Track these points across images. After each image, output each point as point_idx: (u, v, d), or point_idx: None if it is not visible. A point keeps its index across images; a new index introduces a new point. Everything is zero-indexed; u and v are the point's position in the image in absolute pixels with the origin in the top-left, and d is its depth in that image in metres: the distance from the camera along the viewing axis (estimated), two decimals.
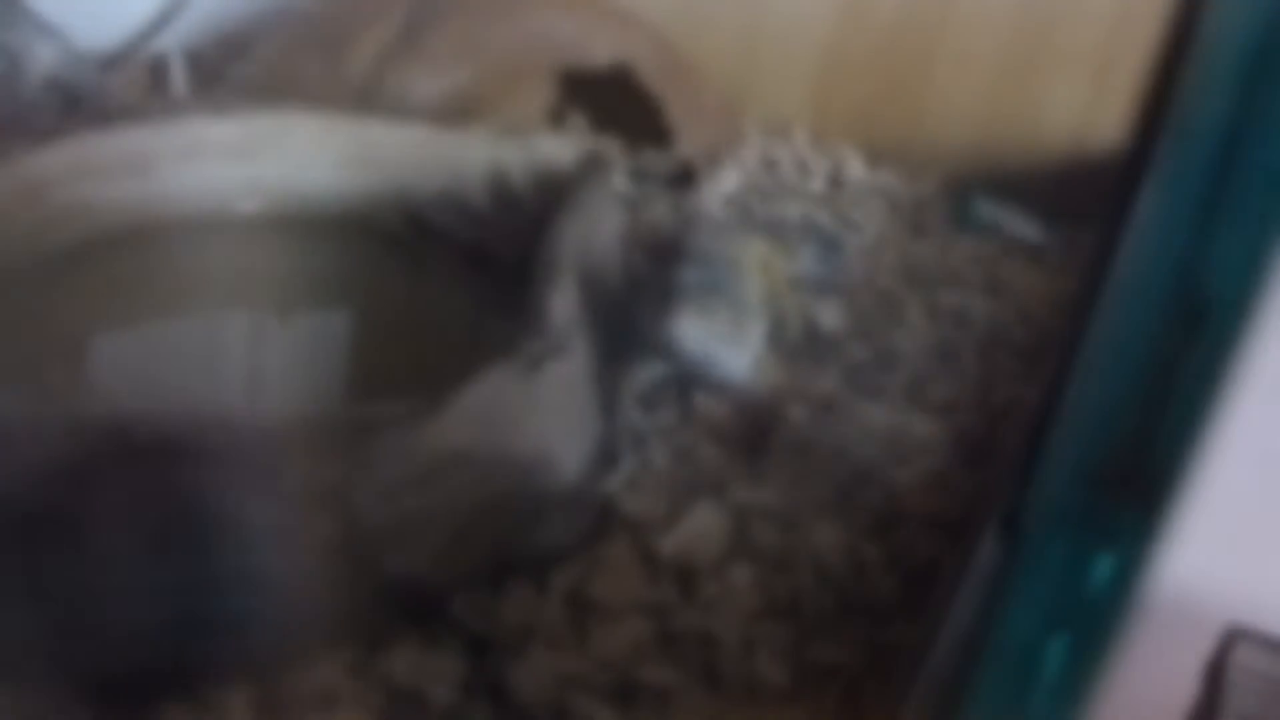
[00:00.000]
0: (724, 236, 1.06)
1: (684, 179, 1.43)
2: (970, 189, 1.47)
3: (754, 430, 0.97)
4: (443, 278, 1.06)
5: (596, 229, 0.99)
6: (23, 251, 0.95)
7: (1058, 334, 1.08)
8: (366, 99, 1.28)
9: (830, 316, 1.17)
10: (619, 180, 1.38)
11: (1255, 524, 1.13)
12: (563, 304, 0.82)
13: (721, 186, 1.43)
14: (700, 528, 0.87)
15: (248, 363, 0.96)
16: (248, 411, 0.71)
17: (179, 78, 1.36)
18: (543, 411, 0.76)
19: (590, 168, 1.06)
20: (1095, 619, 0.65)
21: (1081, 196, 1.45)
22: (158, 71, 1.37)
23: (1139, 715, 0.83)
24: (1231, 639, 1.05)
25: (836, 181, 1.48)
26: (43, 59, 1.12)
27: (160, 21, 1.42)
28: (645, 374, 0.97)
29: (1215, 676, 1.03)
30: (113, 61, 1.36)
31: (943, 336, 1.18)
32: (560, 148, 1.08)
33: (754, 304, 0.93)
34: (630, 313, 1.00)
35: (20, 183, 0.94)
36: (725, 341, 0.91)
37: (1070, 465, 0.66)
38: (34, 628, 0.68)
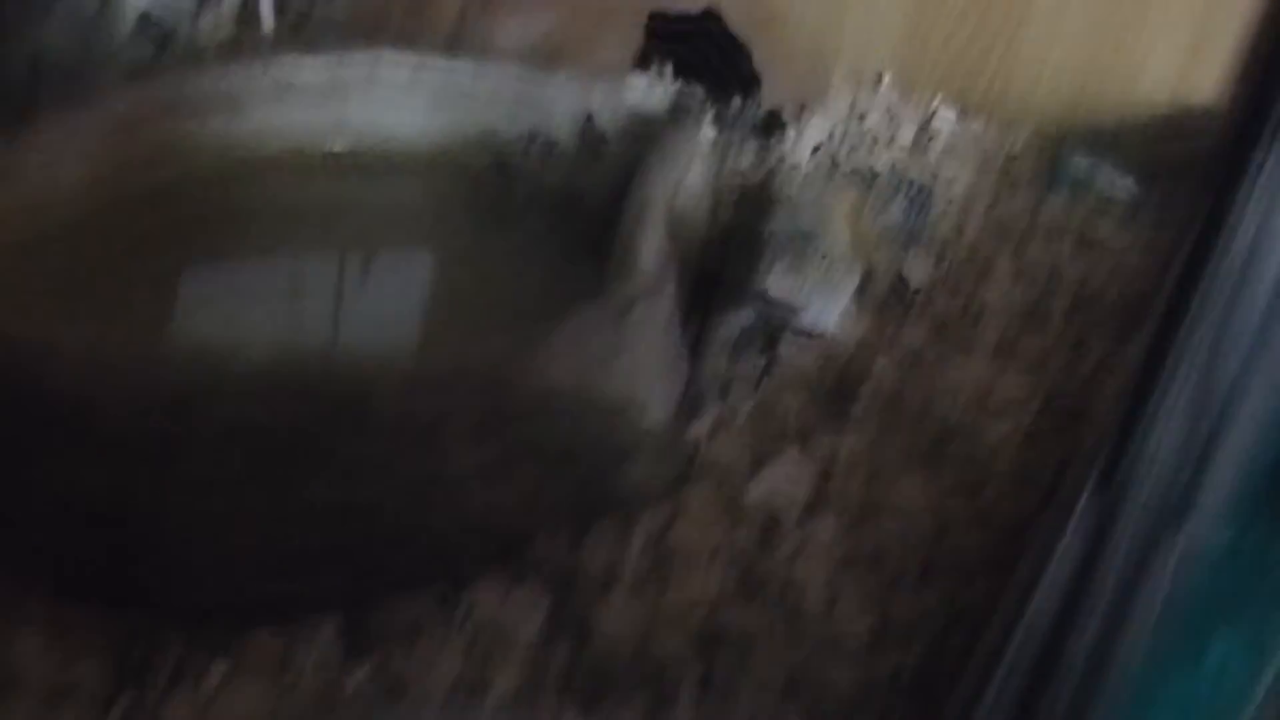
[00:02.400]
0: (813, 188, 1.04)
1: (771, 127, 1.41)
2: (1064, 144, 1.43)
3: (840, 380, 0.96)
4: (529, 219, 1.06)
5: (685, 176, 0.98)
6: (117, 188, 0.96)
7: (1156, 296, 1.05)
8: (450, 45, 1.28)
9: (918, 269, 1.15)
10: (706, 128, 1.37)
11: None
12: (652, 247, 0.82)
13: (809, 136, 1.41)
14: (784, 477, 0.86)
15: (336, 302, 0.96)
16: (340, 351, 0.71)
17: (268, 15, 1.36)
18: (631, 354, 0.76)
19: (679, 115, 1.05)
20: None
21: (1178, 154, 1.41)
22: (249, 9, 1.38)
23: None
24: None
25: (926, 133, 1.45)
26: None
27: None
28: (734, 321, 0.96)
29: None
30: (203, 2, 1.37)
31: (1032, 293, 1.16)
32: (649, 94, 1.08)
33: (843, 255, 0.92)
34: (719, 259, 0.99)
35: (113, 120, 0.95)
36: (815, 292, 0.90)
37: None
38: (130, 555, 0.70)
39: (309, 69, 1.03)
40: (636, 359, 0.76)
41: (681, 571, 0.78)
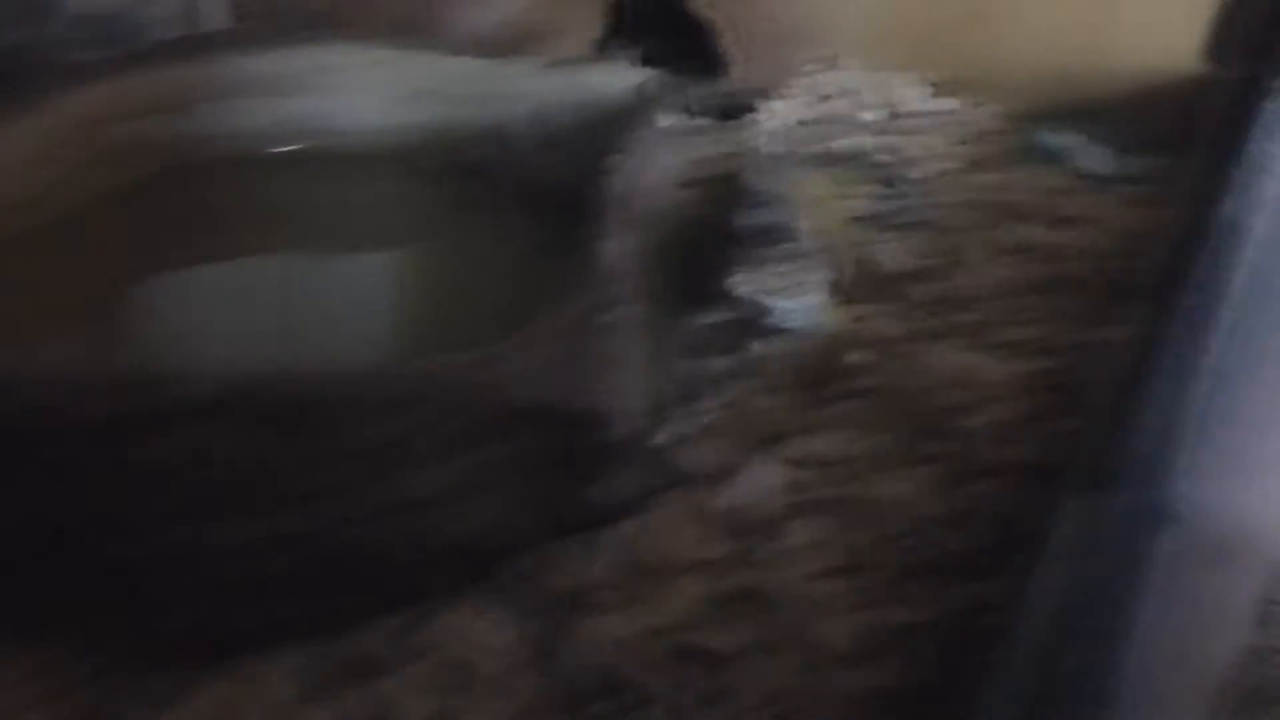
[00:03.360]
0: (780, 174, 1.01)
1: (737, 111, 1.37)
2: (1035, 118, 1.40)
3: (814, 377, 0.93)
4: (488, 215, 1.02)
5: (647, 168, 0.94)
6: (71, 193, 0.92)
7: (1145, 275, 1.03)
8: (407, 32, 1.24)
9: (891, 255, 1.12)
10: (671, 114, 1.33)
11: None
12: (615, 250, 0.78)
13: (776, 120, 1.38)
14: (756, 482, 0.83)
15: (292, 311, 0.93)
16: (296, 366, 0.67)
17: (216, 6, 1.31)
18: (598, 364, 0.73)
19: (639, 102, 1.01)
20: None
21: (1151, 124, 1.39)
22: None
23: (1194, 660, 0.79)
24: None
25: (896, 112, 1.42)
26: None
27: None
28: (701, 320, 0.93)
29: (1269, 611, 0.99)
30: None
31: (1008, 274, 1.13)
32: (609, 81, 1.04)
33: (814, 250, 0.88)
34: (685, 254, 0.96)
35: (64, 124, 0.91)
36: (785, 290, 0.86)
37: None
38: (82, 585, 0.66)
39: (259, 64, 1.00)
40: (604, 368, 0.73)
41: (654, 588, 0.76)
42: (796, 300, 0.89)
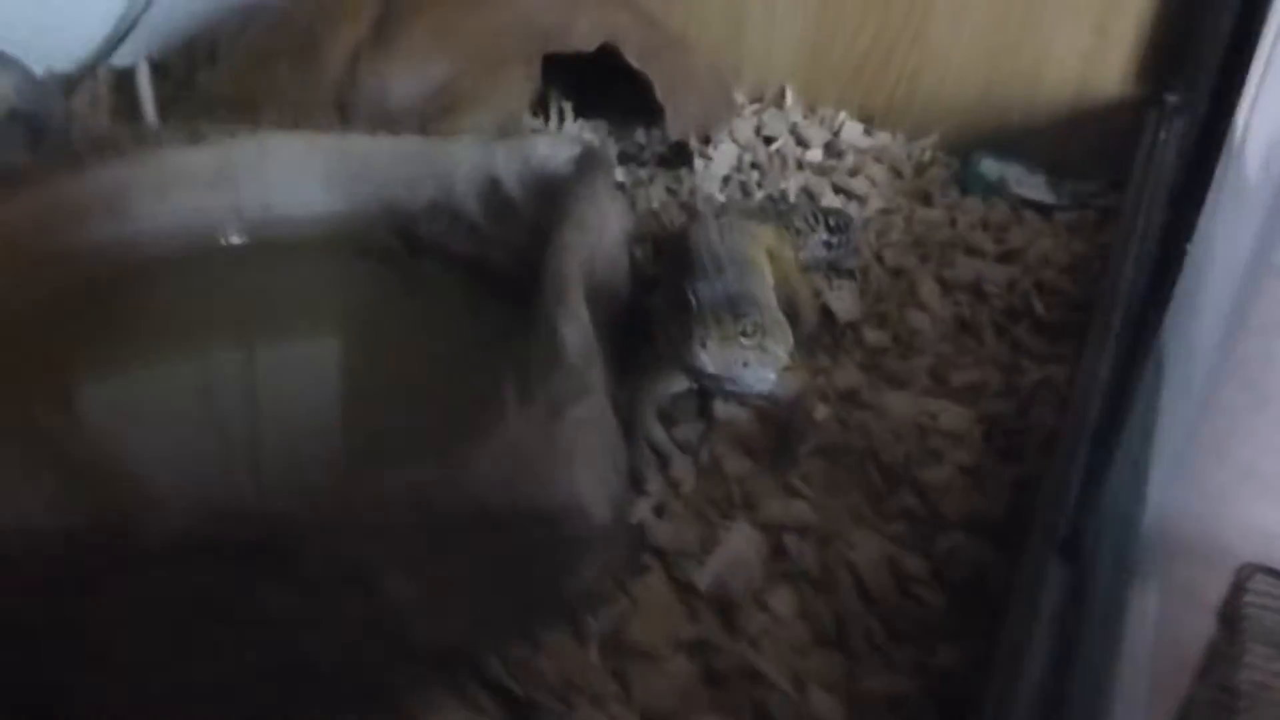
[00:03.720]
0: (731, 233, 1.01)
1: (679, 159, 1.38)
2: (972, 148, 1.42)
3: (781, 437, 0.93)
4: (441, 293, 1.02)
5: (601, 237, 0.94)
6: (6, 305, 0.89)
7: (1094, 311, 1.04)
8: (342, 102, 1.23)
9: (844, 302, 1.12)
10: (613, 169, 1.33)
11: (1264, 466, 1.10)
12: (576, 333, 0.78)
13: (717, 164, 1.38)
14: (735, 554, 0.83)
15: (241, 406, 0.91)
16: (259, 492, 0.66)
17: (147, 91, 1.29)
18: (567, 455, 0.72)
19: (586, 168, 1.01)
20: None
21: (1086, 149, 1.41)
22: (123, 88, 1.31)
23: (1164, 657, 0.80)
24: (1245, 574, 1.03)
25: (834, 149, 1.43)
26: (1, 92, 1.06)
27: (120, 33, 1.36)
28: (664, 388, 0.92)
29: (1231, 611, 1.01)
30: (75, 82, 1.30)
31: (960, 313, 1.14)
32: (554, 148, 1.03)
33: (775, 314, 0.88)
34: (643, 324, 0.96)
35: None
36: (751, 362, 0.86)
37: None
38: (60, 697, 0.64)
39: (195, 157, 0.98)
40: (573, 459, 0.72)
41: (641, 672, 0.75)
42: (763, 373, 0.89)
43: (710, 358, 0.85)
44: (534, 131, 1.31)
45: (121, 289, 0.94)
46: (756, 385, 0.89)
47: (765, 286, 0.96)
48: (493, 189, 1.02)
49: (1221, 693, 0.90)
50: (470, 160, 1.03)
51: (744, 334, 0.85)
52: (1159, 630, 0.74)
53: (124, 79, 1.34)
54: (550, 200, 1.00)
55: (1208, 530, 1.06)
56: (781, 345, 0.87)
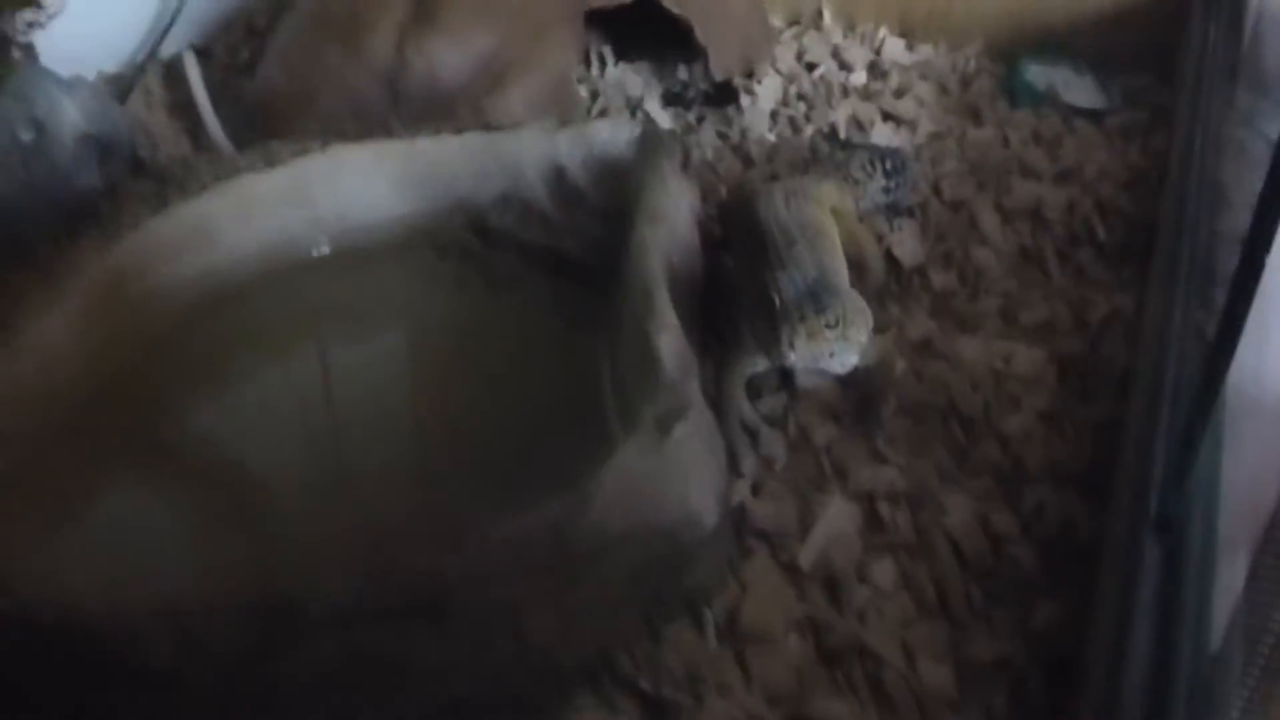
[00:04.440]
0: (794, 198, 1.03)
1: (725, 98, 1.38)
2: (1017, 52, 1.41)
3: (864, 401, 0.97)
4: (518, 285, 1.05)
5: (675, 225, 0.97)
6: (121, 346, 0.94)
7: (1158, 237, 1.05)
8: (394, 85, 1.24)
9: (908, 247, 1.14)
10: (653, 109, 1.35)
11: None
12: (671, 345, 0.81)
13: (763, 100, 1.39)
14: (834, 530, 0.88)
15: (353, 419, 0.95)
16: (408, 552, 0.70)
17: (198, 82, 1.31)
18: (679, 473, 0.76)
19: (649, 150, 1.03)
20: None
21: (1134, 42, 1.40)
22: (172, 80, 1.33)
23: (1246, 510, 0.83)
24: None
25: (878, 70, 1.43)
26: (70, 117, 1.09)
27: (163, 27, 1.37)
28: (749, 367, 0.96)
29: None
30: (127, 82, 1.32)
31: (1022, 243, 1.16)
32: (615, 131, 1.05)
33: (855, 302, 0.90)
34: (716, 288, 0.99)
35: (97, 284, 0.92)
36: (836, 352, 0.89)
37: None
38: None
39: (271, 180, 1.01)
40: (685, 476, 0.77)
41: (759, 655, 0.80)
42: (847, 356, 0.92)
43: (798, 355, 0.88)
44: (583, 92, 1.31)
45: (220, 313, 0.98)
46: (840, 369, 0.92)
47: (837, 255, 0.99)
48: (559, 178, 1.05)
49: None
50: (535, 150, 1.05)
51: (828, 326, 0.88)
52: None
53: (172, 70, 1.36)
54: (616, 185, 1.03)
55: None
56: (864, 331, 0.90)
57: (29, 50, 1.05)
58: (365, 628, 0.65)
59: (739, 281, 1.00)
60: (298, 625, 0.64)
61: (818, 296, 0.89)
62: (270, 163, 1.00)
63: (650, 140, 1.03)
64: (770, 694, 0.79)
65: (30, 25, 1.04)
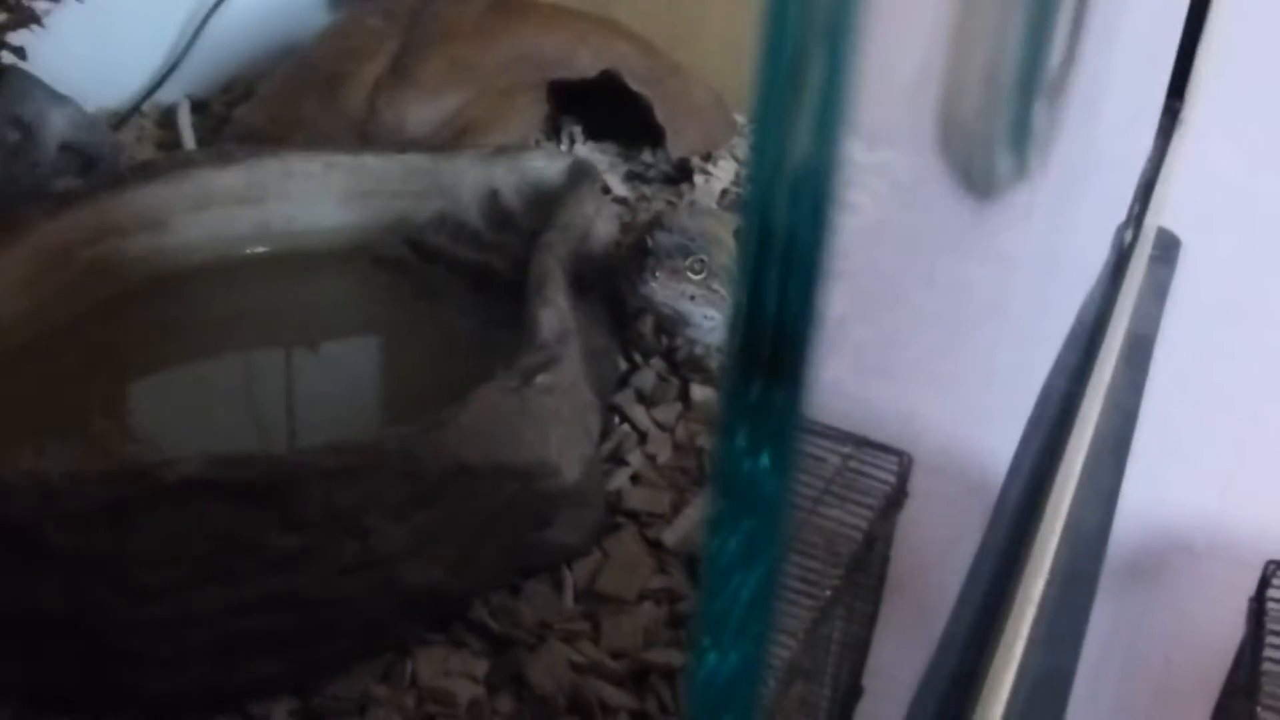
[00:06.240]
0: (698, 214, 1.10)
1: (679, 175, 1.47)
2: None
3: None
4: (447, 298, 1.12)
5: (586, 239, 1.04)
6: (57, 311, 1.01)
7: None
8: (364, 132, 1.34)
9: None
10: (614, 183, 1.43)
11: None
12: (551, 316, 0.87)
13: (716, 180, 1.48)
14: (700, 517, 0.91)
15: (264, 397, 1.01)
16: (266, 448, 0.76)
17: (187, 126, 1.42)
18: (539, 420, 0.81)
19: (577, 178, 1.11)
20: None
21: None
22: (166, 123, 1.44)
23: (1193, 657, 0.86)
24: (1272, 571, 1.09)
25: None
26: (56, 126, 1.18)
27: (163, 74, 1.49)
28: (645, 374, 1.01)
29: (1259, 609, 1.07)
30: (123, 118, 1.43)
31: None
32: (548, 162, 1.13)
33: (724, 266, 0.97)
34: (606, 271, 1.06)
35: (46, 248, 1.00)
36: (696, 299, 0.96)
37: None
38: (92, 658, 0.74)
39: (226, 177, 1.09)
40: (545, 423, 0.81)
41: (611, 616, 0.84)
42: (709, 314, 0.98)
43: (659, 286, 0.94)
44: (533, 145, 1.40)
45: (162, 295, 1.05)
46: (705, 325, 0.98)
47: (724, 253, 1.05)
48: (492, 200, 1.12)
49: (1251, 687, 0.96)
50: (472, 174, 1.13)
51: (691, 270, 0.94)
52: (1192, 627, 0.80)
53: (167, 115, 1.47)
54: (544, 209, 1.10)
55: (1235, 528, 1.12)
56: (728, 291, 0.96)
57: (20, 53, 1.15)
58: (214, 501, 0.69)
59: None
60: (152, 491, 0.69)
61: (687, 247, 0.95)
62: (225, 162, 1.08)
63: (578, 168, 1.11)
64: (614, 649, 0.82)
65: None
